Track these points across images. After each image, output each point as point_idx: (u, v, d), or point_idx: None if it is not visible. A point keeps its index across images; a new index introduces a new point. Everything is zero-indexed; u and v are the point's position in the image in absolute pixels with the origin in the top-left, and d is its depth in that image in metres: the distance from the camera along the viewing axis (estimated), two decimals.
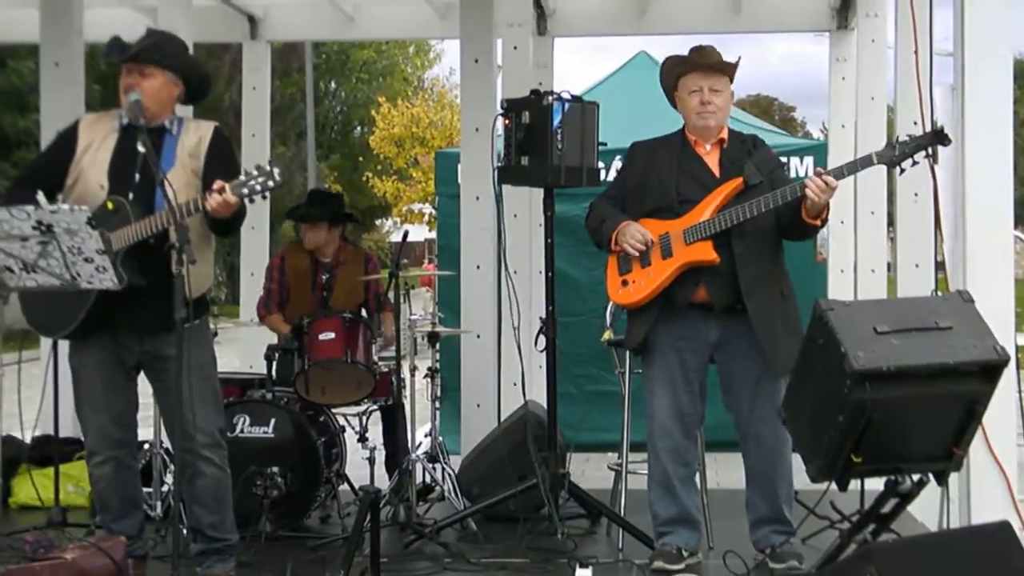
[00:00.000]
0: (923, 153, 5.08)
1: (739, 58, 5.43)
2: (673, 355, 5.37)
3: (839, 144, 9.36)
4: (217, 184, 4.81)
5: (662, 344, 5.38)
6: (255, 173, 4.87)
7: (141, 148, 4.94)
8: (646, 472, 5.66)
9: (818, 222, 5.22)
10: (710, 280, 5.28)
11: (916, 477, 4.39)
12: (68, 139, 5.17)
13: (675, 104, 5.58)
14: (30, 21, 8.30)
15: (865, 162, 5.20)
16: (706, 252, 5.25)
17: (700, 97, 5.38)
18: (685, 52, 5.50)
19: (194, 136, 5.15)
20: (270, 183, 4.88)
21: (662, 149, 5.50)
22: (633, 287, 5.39)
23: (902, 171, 5.18)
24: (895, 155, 5.08)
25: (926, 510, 5.53)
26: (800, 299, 5.43)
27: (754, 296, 5.23)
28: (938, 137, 5.06)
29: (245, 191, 4.86)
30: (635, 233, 5.35)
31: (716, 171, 5.40)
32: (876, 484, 4.54)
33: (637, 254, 5.34)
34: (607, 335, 5.97)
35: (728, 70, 5.42)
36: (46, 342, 6.20)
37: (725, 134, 5.49)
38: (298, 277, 7.27)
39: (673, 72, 5.50)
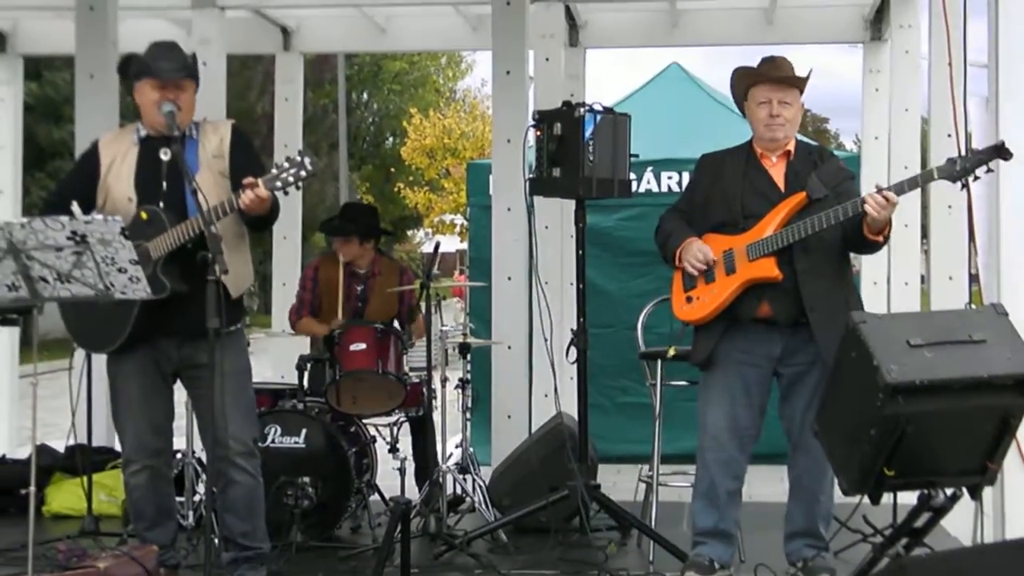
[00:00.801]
0: (984, 168, 5.03)
1: (810, 71, 5.37)
2: (734, 368, 5.32)
3: (872, 156, 9.32)
4: (248, 180, 4.83)
5: (725, 357, 5.33)
6: (286, 165, 4.90)
7: (164, 156, 5.04)
8: (677, 484, 5.64)
9: (880, 238, 5.18)
10: (773, 296, 5.23)
11: (950, 491, 4.36)
12: (91, 160, 5.22)
13: (744, 113, 5.54)
14: (66, 33, 8.37)
15: (926, 177, 5.16)
16: (769, 269, 5.20)
17: (769, 109, 5.32)
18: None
19: (214, 137, 5.18)
20: (302, 173, 4.90)
21: (729, 162, 5.45)
22: (697, 304, 5.34)
23: (964, 186, 5.13)
24: (956, 170, 5.02)
25: (960, 525, 5.49)
26: None
27: (816, 310, 5.18)
28: (999, 152, 5.01)
29: (278, 184, 4.89)
30: (696, 253, 5.30)
31: (781, 185, 5.34)
32: (909, 498, 4.51)
33: (696, 274, 5.32)
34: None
35: (799, 83, 5.37)
36: (80, 351, 6.23)
37: (792, 146, 5.42)
38: (331, 287, 7.29)
39: (743, 83, 5.44)
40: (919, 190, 7.98)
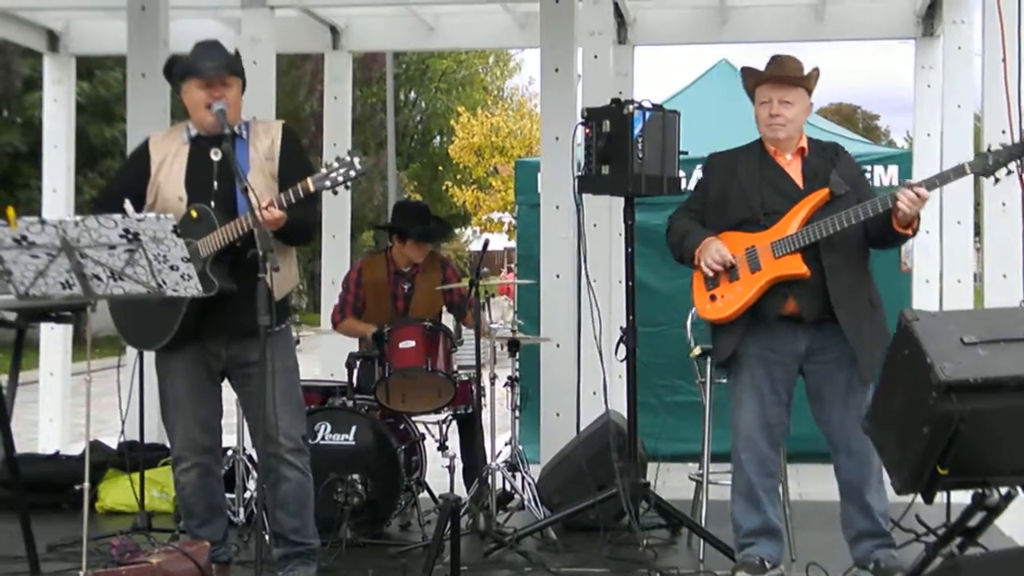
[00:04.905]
0: (1017, 162, 4.99)
1: (815, 70, 5.35)
2: (760, 366, 5.31)
3: (924, 153, 9.25)
4: (265, 201, 4.83)
5: (750, 356, 5.32)
6: (335, 164, 4.92)
7: (215, 156, 5.08)
8: (727, 483, 5.62)
9: (909, 231, 5.17)
10: (799, 292, 5.22)
11: (1004, 490, 4.32)
12: (141, 158, 5.24)
13: None
14: (117, 33, 8.44)
15: (958, 172, 5.12)
16: (796, 266, 5.18)
17: (769, 109, 5.32)
18: (765, 60, 5.45)
19: (265, 139, 5.19)
20: (351, 173, 4.91)
21: (742, 160, 5.44)
22: (722, 302, 5.32)
23: (996, 180, 5.09)
24: (988, 165, 4.99)
25: (1015, 524, 5.43)
26: (885, 310, 5.36)
27: (843, 305, 5.17)
28: None
29: (327, 183, 4.90)
30: (714, 253, 5.28)
31: (799, 182, 5.33)
32: (963, 497, 4.47)
33: (711, 275, 5.29)
34: (695, 351, 5.90)
35: (801, 82, 5.34)
36: (131, 349, 6.28)
37: (805, 143, 5.42)
38: (377, 288, 7.30)
39: (749, 83, 5.45)
40: (972, 188, 7.98)
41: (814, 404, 5.36)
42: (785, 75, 5.32)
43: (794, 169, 5.37)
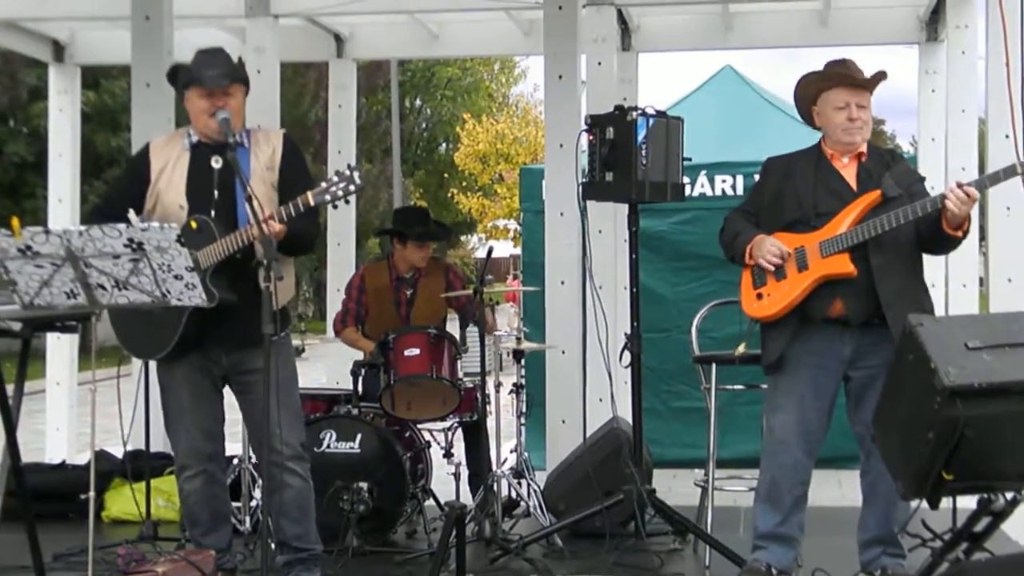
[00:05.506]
0: None
1: (883, 72, 5.32)
2: (805, 371, 5.26)
3: (929, 157, 9.24)
4: (266, 212, 4.84)
5: (795, 359, 5.27)
6: (335, 179, 4.92)
7: (215, 164, 5.08)
8: (733, 489, 5.61)
9: (959, 233, 5.12)
10: (847, 293, 5.17)
11: (1010, 495, 4.31)
12: (141, 164, 5.25)
13: (807, 118, 5.46)
14: (122, 42, 8.45)
15: (1008, 172, 5.08)
16: (843, 265, 5.14)
17: (848, 113, 5.25)
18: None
19: (267, 148, 5.19)
20: (351, 187, 4.91)
21: (799, 163, 5.39)
22: (768, 300, 5.28)
23: None
24: None
25: (1020, 529, 5.42)
26: None
27: (894, 308, 5.10)
28: None
29: (327, 197, 4.90)
30: (771, 247, 5.24)
31: (854, 184, 5.28)
32: (968, 502, 4.46)
33: (772, 268, 5.26)
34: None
35: (872, 86, 5.32)
36: (134, 359, 6.29)
37: (864, 147, 5.37)
38: (380, 295, 7.31)
39: (813, 88, 5.37)
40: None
41: (853, 406, 5.31)
42: (862, 79, 5.28)
43: (849, 172, 5.33)
